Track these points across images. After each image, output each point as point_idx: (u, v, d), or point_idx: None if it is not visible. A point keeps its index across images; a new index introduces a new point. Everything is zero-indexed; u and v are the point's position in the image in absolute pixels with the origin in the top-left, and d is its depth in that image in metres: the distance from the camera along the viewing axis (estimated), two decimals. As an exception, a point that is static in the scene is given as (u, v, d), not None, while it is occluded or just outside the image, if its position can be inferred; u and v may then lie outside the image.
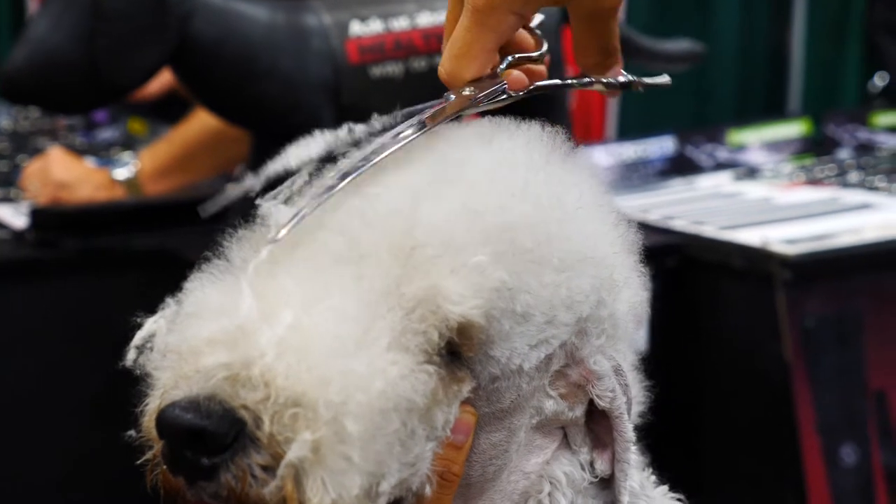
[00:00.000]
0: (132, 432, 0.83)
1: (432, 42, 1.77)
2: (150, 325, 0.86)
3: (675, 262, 2.08)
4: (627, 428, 0.88)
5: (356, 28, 1.74)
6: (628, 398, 0.88)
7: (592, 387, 0.88)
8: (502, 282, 0.80)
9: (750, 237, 2.04)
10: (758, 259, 1.98)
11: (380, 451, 0.77)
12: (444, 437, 0.82)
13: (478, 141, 0.87)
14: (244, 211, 1.91)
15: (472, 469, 0.86)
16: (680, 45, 2.17)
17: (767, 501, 2.00)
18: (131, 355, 0.86)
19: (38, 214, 2.01)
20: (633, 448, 0.88)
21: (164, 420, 0.76)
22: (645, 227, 2.41)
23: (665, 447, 2.02)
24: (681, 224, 2.17)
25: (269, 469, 0.76)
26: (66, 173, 2.19)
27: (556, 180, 0.86)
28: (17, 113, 3.16)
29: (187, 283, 0.86)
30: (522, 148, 0.88)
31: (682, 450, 2.09)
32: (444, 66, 0.89)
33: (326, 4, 1.75)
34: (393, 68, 1.75)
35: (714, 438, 2.10)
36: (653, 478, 0.98)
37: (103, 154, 2.73)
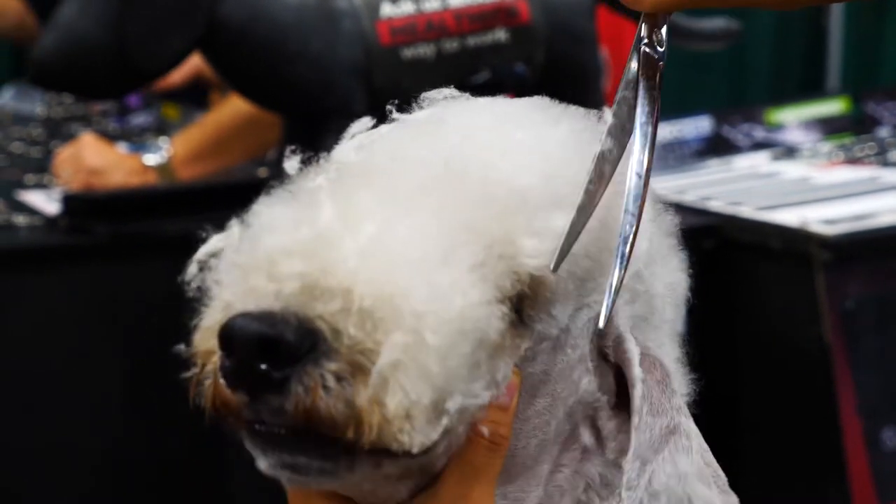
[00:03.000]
0: (182, 346, 0.79)
1: (464, 22, 1.75)
2: (216, 241, 0.83)
3: (713, 243, 2.06)
4: (636, 372, 0.84)
5: (387, 9, 1.73)
6: (652, 363, 0.85)
7: (609, 350, 0.85)
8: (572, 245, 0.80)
9: (788, 218, 2.01)
10: (796, 240, 1.95)
11: (451, 368, 0.75)
12: (497, 394, 0.80)
13: (549, 115, 0.88)
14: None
15: (518, 439, 0.84)
16: (716, 23, 2.14)
17: (808, 485, 1.98)
18: (192, 270, 0.83)
19: (70, 200, 2.01)
20: (640, 390, 0.84)
21: (233, 329, 0.72)
22: (681, 208, 2.39)
23: (703, 430, 2.01)
24: (718, 205, 2.15)
25: (343, 379, 0.73)
26: (98, 159, 2.18)
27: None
28: (50, 99, 3.17)
29: (255, 204, 0.83)
30: (585, 125, 0.88)
31: (720, 433, 2.06)
32: None
33: (357, -14, 1.74)
34: (424, 50, 1.73)
35: (753, 422, 2.07)
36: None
37: (136, 139, 2.73)
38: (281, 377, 0.72)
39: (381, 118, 1.80)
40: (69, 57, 1.63)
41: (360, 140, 0.88)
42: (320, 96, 1.71)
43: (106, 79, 1.66)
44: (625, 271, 0.82)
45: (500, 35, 1.77)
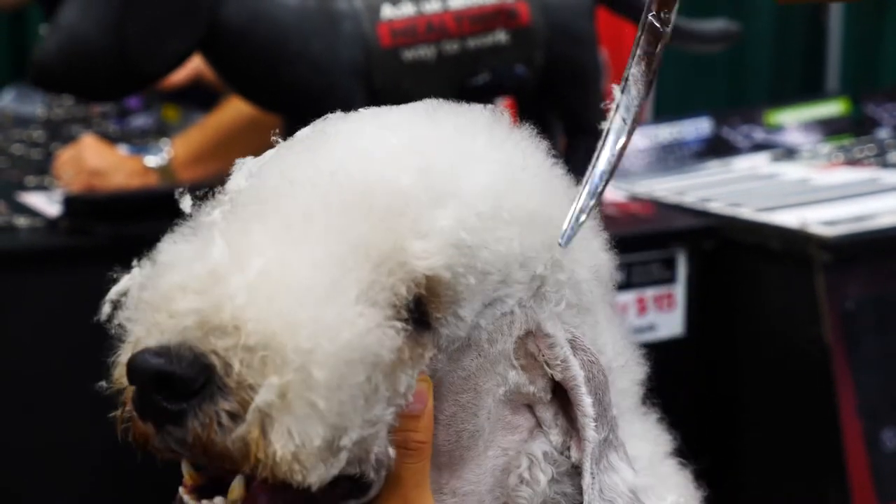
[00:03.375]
0: (103, 383, 0.85)
1: (464, 24, 1.75)
2: (125, 280, 0.88)
3: (712, 244, 2.06)
4: (586, 402, 0.87)
5: (388, 11, 1.73)
6: (593, 374, 0.88)
7: (543, 354, 0.88)
8: (461, 239, 0.83)
9: (788, 219, 2.01)
10: (796, 241, 1.95)
11: (344, 402, 0.77)
12: (404, 405, 0.82)
13: (430, 115, 0.91)
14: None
15: (447, 434, 0.87)
16: (716, 24, 2.14)
17: (808, 485, 1.98)
18: (106, 310, 0.88)
19: (71, 202, 2.01)
20: (593, 425, 0.88)
21: (135, 365, 0.77)
22: (681, 210, 2.39)
23: (704, 430, 2.01)
24: (718, 206, 2.15)
25: (236, 417, 0.76)
26: (99, 161, 2.19)
27: (503, 145, 0.90)
28: (50, 101, 3.17)
29: (160, 241, 0.88)
30: (470, 120, 0.91)
31: (720, 433, 2.07)
32: None
33: (357, -12, 1.74)
34: (425, 51, 1.74)
35: (753, 422, 2.08)
36: (665, 453, 0.97)
37: (137, 141, 2.73)
38: (177, 410, 0.77)
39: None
40: (70, 59, 1.63)
41: (250, 167, 0.92)
42: (321, 98, 1.72)
43: (107, 80, 1.66)
44: (593, 202, 0.83)
45: (501, 37, 1.77)
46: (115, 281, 0.89)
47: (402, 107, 0.94)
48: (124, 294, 0.88)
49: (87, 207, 2.00)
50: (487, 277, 0.85)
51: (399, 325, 0.81)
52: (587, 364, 0.89)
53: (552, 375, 0.89)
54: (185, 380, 0.76)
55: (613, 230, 1.93)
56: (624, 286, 1.94)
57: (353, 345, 0.78)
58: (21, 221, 2.04)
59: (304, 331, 0.76)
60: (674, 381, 1.96)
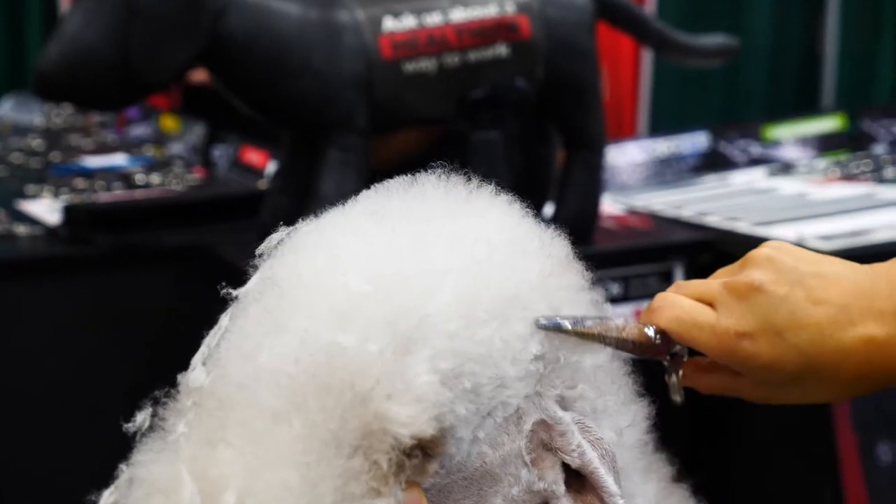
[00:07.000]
0: None
1: (465, 38, 1.76)
2: (105, 499, 0.88)
3: (710, 258, 2.07)
4: (608, 482, 0.84)
5: (389, 24, 1.74)
6: (604, 451, 0.85)
7: (555, 443, 0.84)
8: (441, 372, 0.79)
9: (785, 233, 2.02)
10: (793, 255, 1.96)
11: None
12: None
13: (383, 225, 0.85)
14: (274, 208, 1.88)
15: None
16: (714, 39, 2.15)
17: (803, 499, 1.98)
18: None
19: (71, 211, 2.02)
20: (621, 502, 0.83)
21: None
22: (678, 224, 2.40)
23: (698, 443, 2.01)
24: (715, 220, 2.16)
25: None
26: None
27: (464, 238, 0.84)
28: (49, 110, 3.18)
29: (134, 456, 0.86)
30: (425, 215, 0.86)
31: (715, 447, 2.07)
32: None
33: (359, 0, 1.75)
34: (426, 64, 1.75)
35: (748, 435, 2.08)
36: (666, 486, 0.96)
37: (135, 150, 2.74)
38: None
39: (381, 130, 1.81)
40: (73, 68, 1.64)
41: (206, 349, 0.87)
42: (322, 110, 1.72)
43: (109, 90, 1.67)
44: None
45: (501, 50, 1.78)
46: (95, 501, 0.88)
47: (353, 218, 0.87)
48: None
49: (87, 216, 2.01)
50: (480, 391, 0.81)
51: (383, 501, 0.78)
52: (596, 443, 0.85)
53: (567, 463, 0.85)
54: None
55: (611, 243, 1.94)
56: (621, 299, 1.95)
57: None
58: (21, 230, 2.04)
59: None
60: (668, 393, 1.97)
